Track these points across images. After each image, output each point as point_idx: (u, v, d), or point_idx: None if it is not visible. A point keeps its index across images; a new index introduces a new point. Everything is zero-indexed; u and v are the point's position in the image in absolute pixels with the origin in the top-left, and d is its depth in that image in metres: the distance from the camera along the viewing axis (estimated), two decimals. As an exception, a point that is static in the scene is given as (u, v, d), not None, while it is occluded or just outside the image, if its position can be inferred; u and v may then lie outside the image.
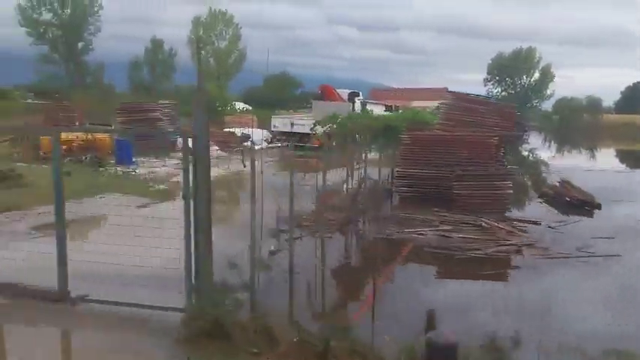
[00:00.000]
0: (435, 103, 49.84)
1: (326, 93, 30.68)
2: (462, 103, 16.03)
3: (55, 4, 50.20)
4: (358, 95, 31.30)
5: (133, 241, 6.73)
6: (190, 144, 6.19)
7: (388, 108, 43.47)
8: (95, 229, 6.88)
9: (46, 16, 50.13)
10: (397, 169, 14.26)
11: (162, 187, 15.29)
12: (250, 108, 45.16)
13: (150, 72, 53.38)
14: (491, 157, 13.83)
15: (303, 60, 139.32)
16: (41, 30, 50.24)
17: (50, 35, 50.55)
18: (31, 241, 9.18)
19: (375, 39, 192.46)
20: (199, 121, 6.13)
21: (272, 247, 9.33)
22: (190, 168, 6.11)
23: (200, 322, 5.65)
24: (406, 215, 12.00)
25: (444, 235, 10.43)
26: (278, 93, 51.67)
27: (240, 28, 54.91)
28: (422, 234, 10.49)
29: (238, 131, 27.80)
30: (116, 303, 6.55)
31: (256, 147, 26.26)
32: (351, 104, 29.46)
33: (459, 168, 13.23)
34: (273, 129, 26.66)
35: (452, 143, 13.99)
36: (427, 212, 12.34)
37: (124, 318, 6.45)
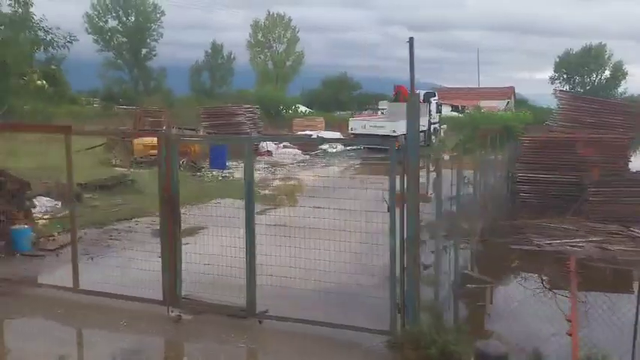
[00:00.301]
0: (502, 103, 48.22)
1: (401, 94, 29.86)
2: (579, 104, 14.99)
3: (120, 12, 51.57)
4: (434, 96, 30.32)
5: (280, 251, 6.31)
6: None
7: (455, 108, 42.34)
8: (234, 237, 6.56)
9: (112, 23, 51.56)
10: (519, 174, 13.38)
11: (266, 192, 14.96)
12: (311, 110, 44.96)
13: (210, 76, 54.05)
14: (624, 161, 12.79)
15: (354, 61, 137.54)
16: (107, 37, 51.69)
17: (115, 42, 51.93)
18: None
19: (426, 38, 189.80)
20: (410, 128, 5.54)
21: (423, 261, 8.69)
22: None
23: (427, 350, 5.07)
24: (544, 224, 11.15)
25: (603, 248, 9.53)
26: (337, 95, 51.22)
27: (298, 31, 54.89)
28: (577, 246, 9.62)
29: (312, 134, 27.44)
30: (303, 321, 6.10)
31: (333, 150, 25.87)
32: (428, 105, 28.57)
33: (591, 172, 12.26)
34: (350, 131, 26.13)
35: (579, 146, 13.01)
36: (563, 220, 11.45)
37: (312, 337, 6.00)
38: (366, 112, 39.72)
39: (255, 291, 6.14)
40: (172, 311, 6.36)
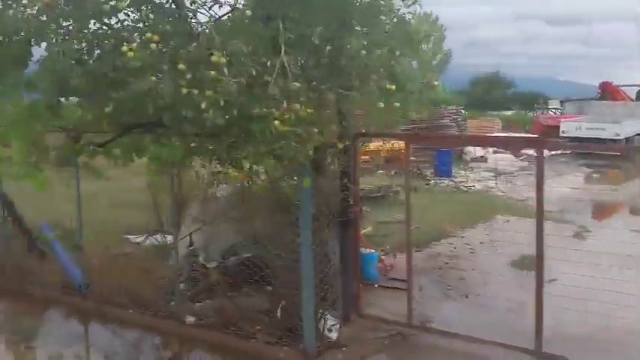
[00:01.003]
0: None
1: (608, 92, 26.20)
2: None
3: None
4: (650, 93, 26.21)
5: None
6: None
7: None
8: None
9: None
10: None
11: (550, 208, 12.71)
12: (466, 112, 42.05)
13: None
14: None
15: (487, 59, 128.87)
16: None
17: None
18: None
19: (564, 33, 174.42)
20: None
21: None
22: None
23: None
24: None
25: None
26: (488, 94, 47.78)
27: (445, 29, 51.87)
28: None
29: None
30: None
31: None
32: (644, 104, 24.66)
33: None
34: (562, 134, 23.13)
35: None
36: None
37: None
38: (537, 112, 36.07)
39: None
40: None
